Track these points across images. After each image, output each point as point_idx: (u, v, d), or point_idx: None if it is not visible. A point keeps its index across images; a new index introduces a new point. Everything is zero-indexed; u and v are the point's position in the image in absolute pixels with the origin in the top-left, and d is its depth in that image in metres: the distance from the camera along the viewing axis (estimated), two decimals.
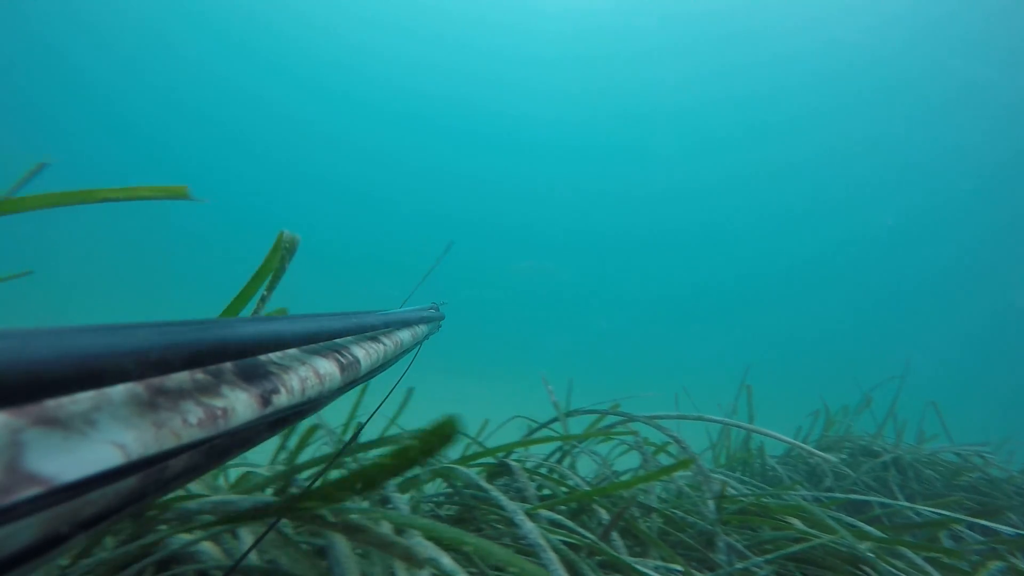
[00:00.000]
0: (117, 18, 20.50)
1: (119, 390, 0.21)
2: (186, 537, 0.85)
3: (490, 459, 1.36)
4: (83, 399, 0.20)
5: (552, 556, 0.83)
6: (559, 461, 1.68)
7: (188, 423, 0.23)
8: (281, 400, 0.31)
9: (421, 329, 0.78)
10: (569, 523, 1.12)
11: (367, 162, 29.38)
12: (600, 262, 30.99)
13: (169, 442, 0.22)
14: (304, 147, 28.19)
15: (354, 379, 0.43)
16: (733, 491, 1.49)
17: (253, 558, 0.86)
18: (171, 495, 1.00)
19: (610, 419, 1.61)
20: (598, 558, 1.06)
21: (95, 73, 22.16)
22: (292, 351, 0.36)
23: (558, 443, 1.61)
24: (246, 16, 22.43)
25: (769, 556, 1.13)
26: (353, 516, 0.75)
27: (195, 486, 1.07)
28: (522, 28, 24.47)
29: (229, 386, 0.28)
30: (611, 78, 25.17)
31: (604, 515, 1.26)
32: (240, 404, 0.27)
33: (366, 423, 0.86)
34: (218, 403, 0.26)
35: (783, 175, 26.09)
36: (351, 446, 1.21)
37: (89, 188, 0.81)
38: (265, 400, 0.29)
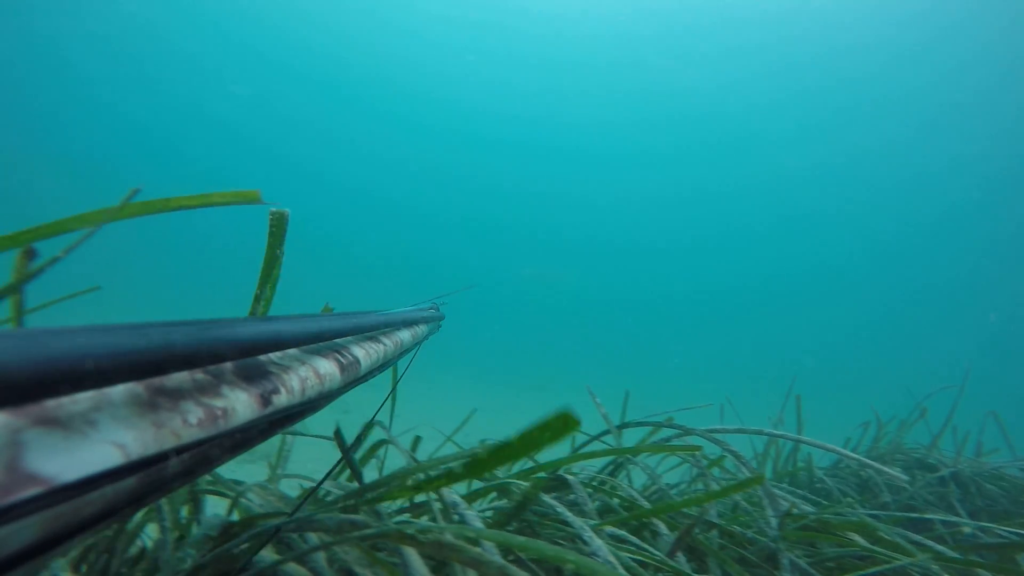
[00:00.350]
0: (120, 21, 21.22)
1: (119, 390, 0.22)
2: (273, 556, 0.87)
3: (542, 473, 1.36)
4: (83, 399, 0.21)
5: (625, 574, 0.84)
6: (611, 474, 1.68)
7: (188, 423, 0.24)
8: (281, 400, 0.32)
9: (421, 329, 0.80)
10: (634, 539, 1.12)
11: (373, 165, 29.91)
12: (629, 268, 30.81)
13: (169, 442, 0.23)
14: (312, 149, 28.82)
15: (354, 379, 0.44)
16: (791, 506, 1.46)
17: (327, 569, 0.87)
18: (255, 512, 1.04)
19: (664, 432, 1.59)
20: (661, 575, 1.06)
21: (97, 74, 23.00)
22: (292, 351, 0.37)
23: (610, 456, 1.60)
24: (257, 19, 22.96)
25: None
26: (444, 534, 0.74)
27: (278, 503, 1.10)
28: (533, 34, 24.54)
29: (229, 386, 0.29)
30: (632, 83, 25.08)
31: (663, 528, 1.26)
32: (240, 404, 0.28)
33: (366, 426, 0.87)
34: (218, 403, 0.27)
35: (814, 179, 25.58)
36: (425, 463, 1.20)
37: (165, 197, 0.84)
38: (265, 400, 0.30)
